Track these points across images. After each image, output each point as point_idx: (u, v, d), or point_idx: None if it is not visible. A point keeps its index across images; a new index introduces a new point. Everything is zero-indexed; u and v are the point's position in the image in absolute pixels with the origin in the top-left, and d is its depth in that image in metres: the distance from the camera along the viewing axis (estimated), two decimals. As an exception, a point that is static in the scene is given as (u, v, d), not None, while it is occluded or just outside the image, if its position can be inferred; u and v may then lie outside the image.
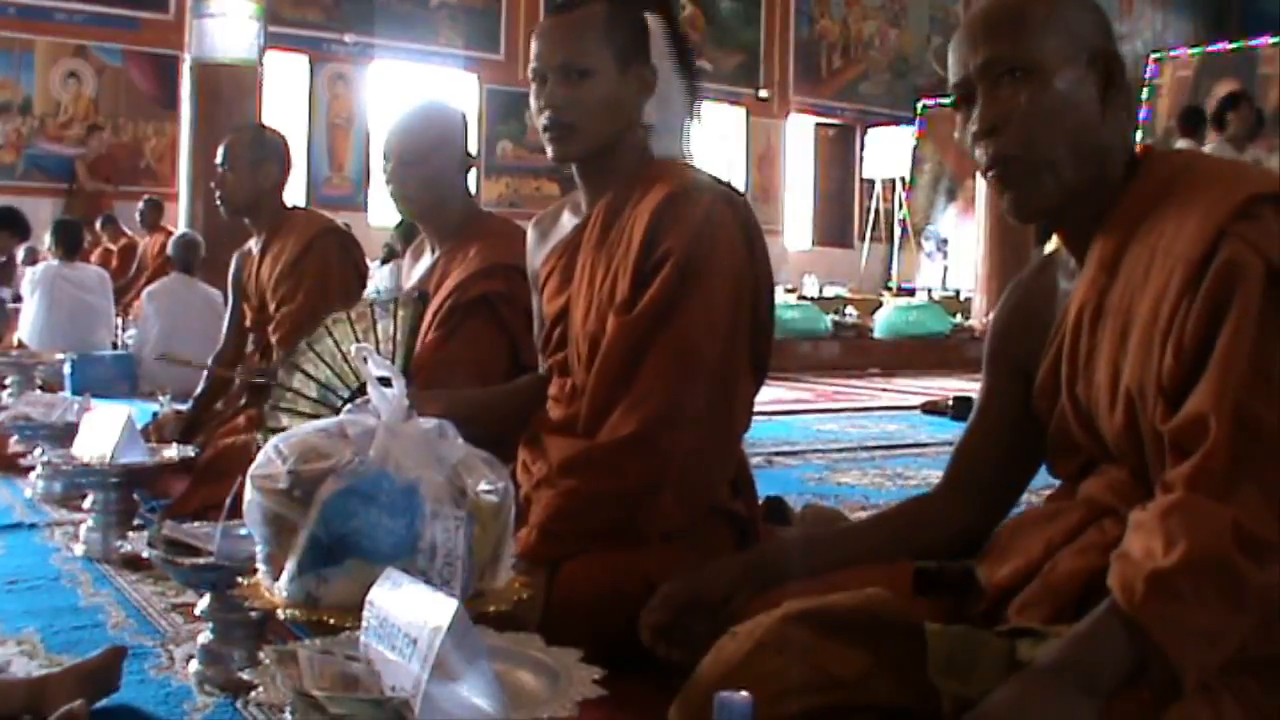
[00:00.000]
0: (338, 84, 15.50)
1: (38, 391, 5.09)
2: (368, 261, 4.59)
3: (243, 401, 4.18)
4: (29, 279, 7.87)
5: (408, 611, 1.56)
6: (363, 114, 15.51)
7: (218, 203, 4.46)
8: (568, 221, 2.88)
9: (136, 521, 3.49)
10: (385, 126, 3.59)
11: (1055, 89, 1.82)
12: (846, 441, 6.56)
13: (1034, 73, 1.82)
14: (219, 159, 4.42)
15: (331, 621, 1.83)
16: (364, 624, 1.64)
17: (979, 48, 1.86)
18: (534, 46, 2.72)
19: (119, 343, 8.05)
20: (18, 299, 8.24)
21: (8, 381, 5.48)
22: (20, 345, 6.29)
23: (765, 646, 1.72)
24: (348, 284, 4.27)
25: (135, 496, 3.56)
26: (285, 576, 1.90)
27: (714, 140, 17.98)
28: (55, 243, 8.05)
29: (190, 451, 3.74)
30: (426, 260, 3.58)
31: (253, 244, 4.53)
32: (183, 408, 4.52)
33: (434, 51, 15.92)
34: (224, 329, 4.74)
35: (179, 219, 10.32)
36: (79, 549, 3.47)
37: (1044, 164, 1.83)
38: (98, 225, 11.91)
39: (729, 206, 2.66)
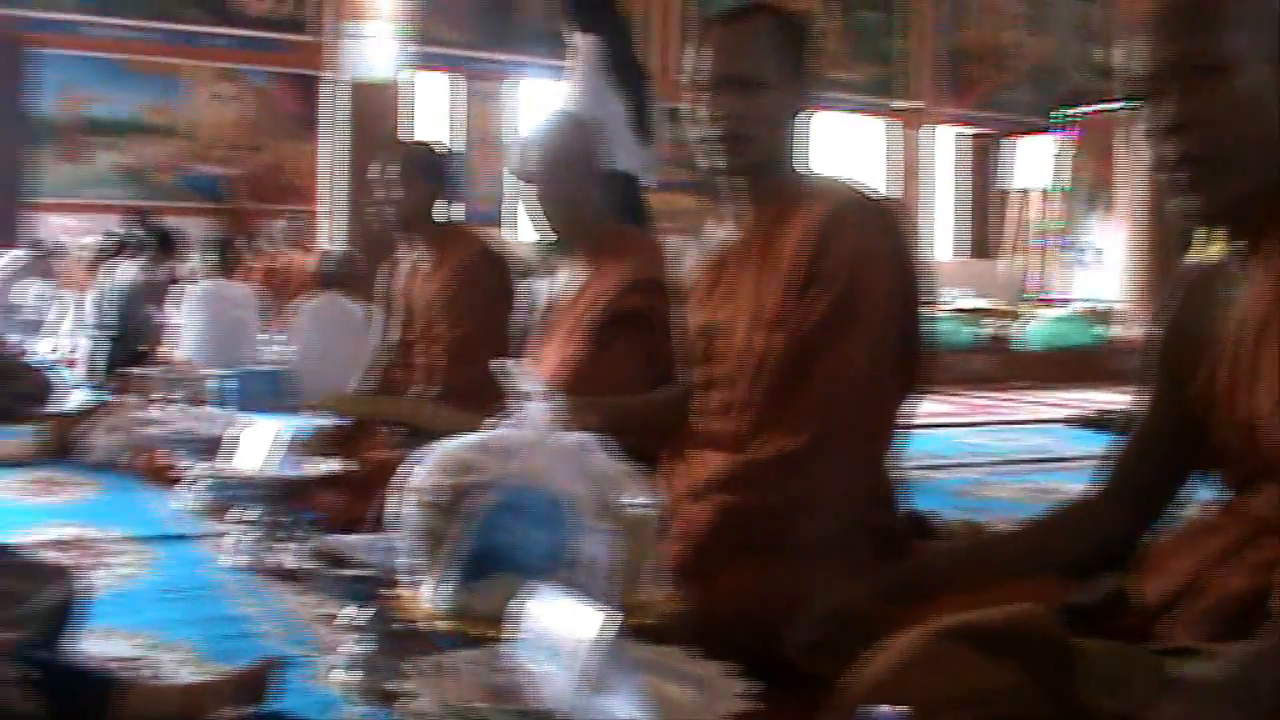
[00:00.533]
0: (483, 101, 15.65)
1: (194, 406, 5.21)
2: (520, 279, 4.60)
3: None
4: (184, 296, 8.07)
5: (557, 624, 1.56)
6: (508, 130, 15.63)
7: (376, 218, 4.51)
8: (718, 234, 2.87)
9: (288, 533, 3.55)
10: (521, 144, 3.61)
11: (1250, 88, 1.76)
12: (995, 455, 6.47)
13: (1228, 70, 1.76)
14: (378, 174, 4.47)
15: (481, 634, 1.84)
16: (514, 636, 1.65)
17: (1170, 41, 1.80)
18: (700, 55, 2.69)
19: (269, 358, 8.22)
20: (169, 316, 8.45)
21: (166, 396, 5.62)
22: (177, 361, 6.44)
23: (914, 662, 1.69)
24: (503, 307, 4.28)
25: (288, 509, 3.61)
26: (436, 588, 1.92)
27: (854, 152, 17.87)
28: (208, 260, 8.26)
29: (344, 465, 3.79)
30: (571, 275, 3.60)
31: (409, 258, 4.57)
32: (336, 422, 4.59)
33: (577, 69, 15.97)
34: (375, 341, 4.79)
35: (327, 236, 10.50)
36: (232, 560, 3.54)
37: (1232, 165, 1.77)
38: (247, 243, 12.17)
39: (889, 224, 2.64)
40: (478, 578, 1.88)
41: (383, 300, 4.72)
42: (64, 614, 2.58)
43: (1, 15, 13.36)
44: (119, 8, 13.91)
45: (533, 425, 1.97)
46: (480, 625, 1.86)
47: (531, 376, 2.03)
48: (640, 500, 1.96)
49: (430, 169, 4.47)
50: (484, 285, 4.32)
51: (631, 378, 3.31)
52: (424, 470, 1.97)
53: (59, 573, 2.60)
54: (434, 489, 1.92)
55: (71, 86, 13.80)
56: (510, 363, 2.09)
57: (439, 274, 4.38)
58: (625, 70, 5.79)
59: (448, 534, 1.90)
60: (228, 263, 8.36)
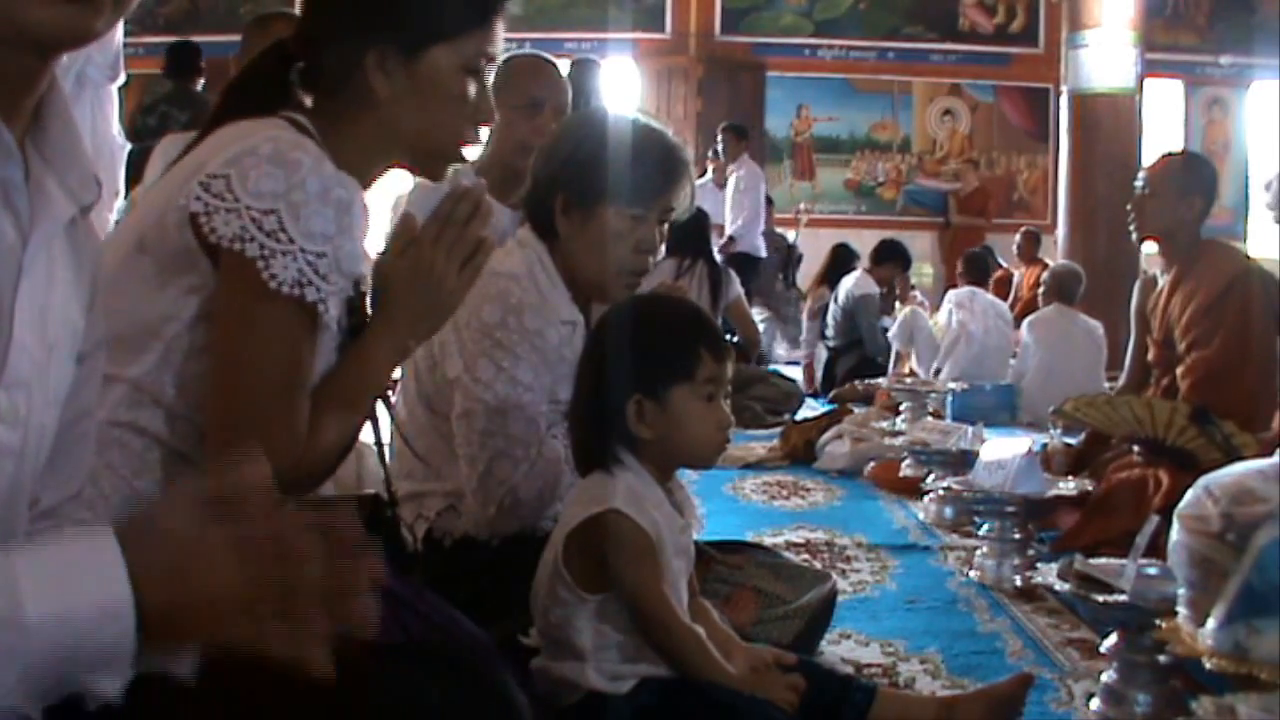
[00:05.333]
0: (1214, 109, 14.89)
1: (930, 418, 5.28)
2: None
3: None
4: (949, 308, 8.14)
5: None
6: (1241, 139, 14.77)
7: (1130, 228, 4.34)
8: None
9: (1029, 552, 3.51)
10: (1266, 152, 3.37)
11: None
12: None
13: None
14: (1140, 183, 4.31)
15: (1263, 676, 1.72)
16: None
17: None
18: None
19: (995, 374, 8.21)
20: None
21: (902, 408, 5.75)
22: (912, 373, 6.57)
23: None
24: (1269, 328, 4.00)
25: (1030, 527, 3.57)
26: (1211, 623, 1.82)
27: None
28: (963, 273, 8.39)
29: (1085, 485, 3.70)
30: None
31: (1159, 273, 4.38)
32: (1072, 441, 4.50)
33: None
34: (1127, 359, 4.63)
35: (1056, 251, 10.35)
36: (973, 574, 3.55)
37: None
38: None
39: None
40: (1262, 615, 1.76)
41: (1135, 314, 4.52)
42: (824, 617, 2.69)
43: (745, 43, 14.27)
44: (849, 30, 14.46)
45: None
46: (1262, 667, 1.74)
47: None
48: None
49: (1198, 183, 4.23)
50: (1240, 305, 4.05)
51: None
52: (1204, 496, 1.87)
53: (823, 577, 2.71)
54: (1217, 518, 1.82)
55: (804, 107, 14.49)
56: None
57: (1193, 294, 4.14)
58: None
59: (1229, 566, 1.79)
60: (984, 276, 8.44)
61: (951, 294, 8.27)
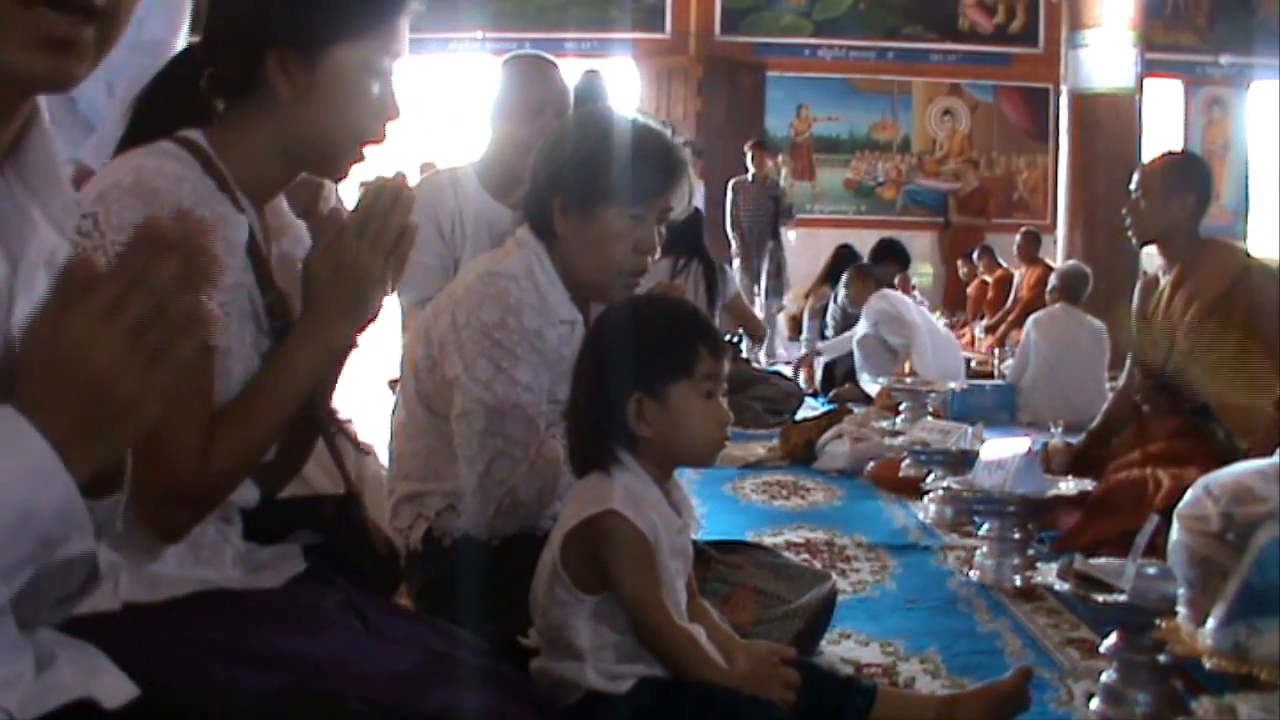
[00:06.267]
0: (1214, 109, 14.89)
1: (930, 418, 5.27)
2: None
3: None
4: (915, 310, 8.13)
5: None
6: (1241, 139, 14.76)
7: (1127, 231, 4.32)
8: None
9: (1029, 552, 3.51)
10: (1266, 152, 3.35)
11: None
12: None
13: None
14: (1132, 187, 4.28)
15: (1263, 676, 1.72)
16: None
17: None
18: None
19: (995, 371, 8.21)
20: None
21: (902, 408, 5.74)
22: (913, 372, 6.54)
23: None
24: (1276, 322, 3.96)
25: (1029, 527, 3.57)
26: (1211, 623, 1.81)
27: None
28: (850, 281, 8.31)
29: (1085, 485, 3.70)
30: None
31: (1159, 273, 4.35)
32: (1073, 440, 4.49)
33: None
34: (1127, 361, 4.61)
35: (1056, 251, 10.37)
36: (973, 574, 3.55)
37: None
38: (974, 257, 12.28)
39: None
40: (1262, 615, 1.75)
41: (1135, 316, 4.49)
42: (824, 617, 2.68)
43: (745, 43, 14.28)
44: (848, 30, 14.46)
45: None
46: (1262, 667, 1.73)
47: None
48: None
49: (1191, 182, 4.21)
50: (1247, 301, 4.03)
51: None
52: (1204, 496, 1.87)
53: (823, 577, 2.71)
54: (1216, 518, 1.82)
55: (804, 107, 14.49)
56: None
57: (1195, 294, 4.12)
58: None
59: (1229, 566, 1.79)
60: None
61: (865, 310, 7.72)
